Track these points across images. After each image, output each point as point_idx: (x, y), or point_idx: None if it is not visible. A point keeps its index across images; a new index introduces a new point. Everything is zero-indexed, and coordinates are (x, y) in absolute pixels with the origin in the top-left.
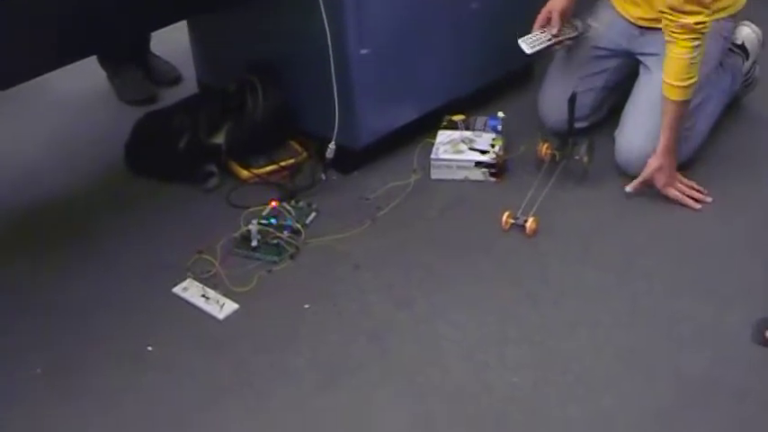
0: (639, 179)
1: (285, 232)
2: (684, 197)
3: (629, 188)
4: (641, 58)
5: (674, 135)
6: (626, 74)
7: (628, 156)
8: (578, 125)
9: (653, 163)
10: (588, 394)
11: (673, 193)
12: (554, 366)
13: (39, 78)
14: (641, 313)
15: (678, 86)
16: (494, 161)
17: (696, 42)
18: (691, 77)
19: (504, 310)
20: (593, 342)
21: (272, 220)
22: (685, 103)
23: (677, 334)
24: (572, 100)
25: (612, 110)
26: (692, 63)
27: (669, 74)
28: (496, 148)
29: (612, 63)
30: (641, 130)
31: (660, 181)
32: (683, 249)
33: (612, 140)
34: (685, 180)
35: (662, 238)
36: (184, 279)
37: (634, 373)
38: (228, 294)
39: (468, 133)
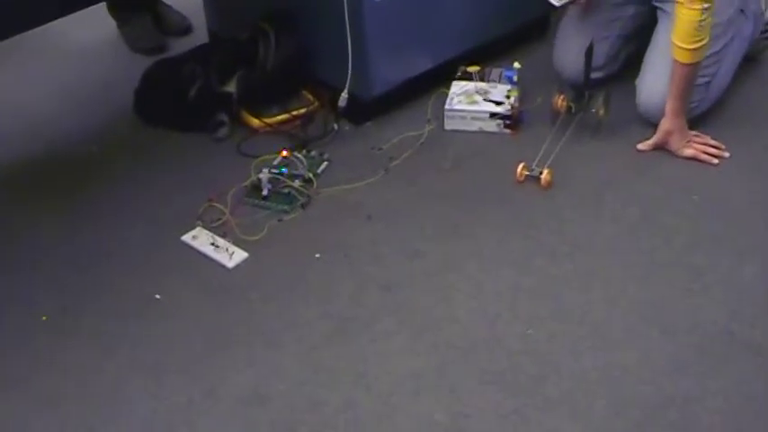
0: (651, 142)
1: (296, 182)
2: (701, 154)
3: (641, 146)
4: (658, 4)
5: (682, 97)
6: (641, 23)
7: (649, 101)
8: (593, 76)
9: (663, 126)
10: (603, 347)
11: (688, 152)
12: (569, 319)
13: (48, 27)
14: (657, 266)
15: (687, 49)
16: (509, 112)
17: (705, 5)
18: (700, 40)
19: (518, 263)
20: (609, 295)
21: (284, 170)
22: (695, 65)
23: (694, 288)
24: (589, 51)
25: (628, 61)
26: (701, 26)
27: (678, 35)
28: (512, 100)
29: (629, 11)
30: (663, 75)
31: (673, 144)
32: (699, 203)
33: (629, 93)
34: (701, 137)
35: (679, 191)
36: (194, 227)
37: (650, 327)
38: (238, 243)
39: (483, 84)
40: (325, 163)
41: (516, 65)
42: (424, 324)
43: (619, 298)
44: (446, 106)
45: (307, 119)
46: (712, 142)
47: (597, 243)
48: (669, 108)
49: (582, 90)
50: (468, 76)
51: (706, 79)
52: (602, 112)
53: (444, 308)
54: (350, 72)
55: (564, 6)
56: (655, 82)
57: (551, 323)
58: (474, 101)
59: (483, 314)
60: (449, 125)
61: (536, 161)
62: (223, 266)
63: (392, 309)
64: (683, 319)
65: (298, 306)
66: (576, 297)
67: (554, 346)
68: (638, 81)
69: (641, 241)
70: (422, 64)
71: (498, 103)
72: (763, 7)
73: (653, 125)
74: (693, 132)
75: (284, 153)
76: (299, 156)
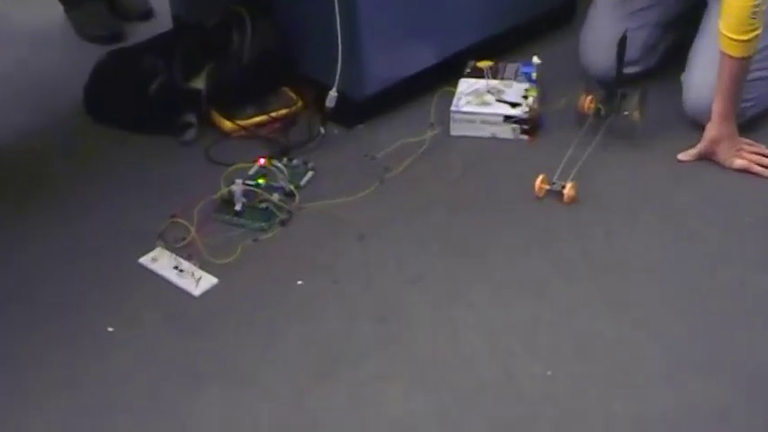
0: (695, 152)
1: (275, 195)
2: (754, 166)
3: (683, 156)
4: None
5: (732, 98)
6: (684, 9)
7: (698, 100)
8: (628, 71)
9: (709, 133)
10: (636, 389)
11: (738, 164)
12: (596, 357)
13: None
14: (698, 295)
15: (738, 40)
16: (526, 116)
17: None
18: (754, 29)
19: (535, 290)
20: (643, 330)
21: (261, 181)
22: (747, 59)
23: (742, 320)
24: (622, 43)
25: (668, 54)
26: (754, 12)
27: (727, 24)
28: (530, 101)
29: None
30: (715, 69)
31: (721, 154)
32: (749, 222)
33: (669, 92)
34: (754, 145)
35: (727, 209)
36: (154, 248)
37: (690, 365)
38: (206, 267)
39: (495, 82)
40: (310, 173)
41: (535, 59)
42: (425, 362)
43: (655, 333)
44: (452, 108)
45: (288, 121)
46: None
47: (630, 269)
48: (716, 110)
49: (613, 89)
50: (478, 73)
51: (766, 72)
52: (636, 114)
53: (448, 343)
54: (339, 66)
55: None
56: (705, 77)
57: (575, 362)
58: (485, 102)
59: (494, 350)
60: (455, 130)
61: (558, 173)
62: (188, 294)
63: (387, 344)
64: (729, 359)
65: (276, 341)
66: (605, 332)
67: (578, 388)
68: (684, 76)
69: (682, 268)
70: (424, 58)
71: (514, 105)
72: None
73: (699, 130)
74: (745, 140)
75: (261, 161)
76: (279, 164)
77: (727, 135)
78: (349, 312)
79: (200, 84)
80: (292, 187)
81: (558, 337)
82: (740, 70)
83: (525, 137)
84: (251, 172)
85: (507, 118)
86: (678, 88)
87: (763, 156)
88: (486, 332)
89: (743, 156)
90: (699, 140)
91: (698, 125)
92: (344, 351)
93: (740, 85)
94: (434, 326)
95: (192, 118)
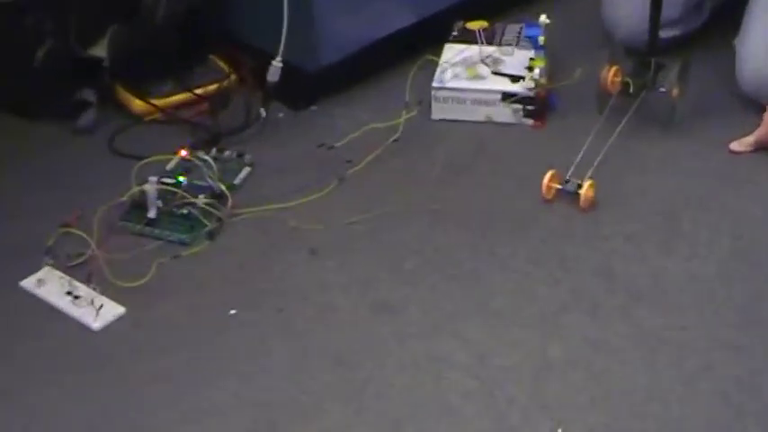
0: (751, 139)
1: (201, 197)
2: None
3: (735, 146)
4: None
5: None
6: None
7: (755, 73)
8: (665, 34)
9: None
10: None
11: None
12: (620, 407)
13: None
14: (754, 330)
15: None
16: (531, 93)
17: None
18: None
19: (543, 321)
20: (683, 370)
21: (182, 179)
22: None
23: None
24: None
25: (717, 12)
26: None
27: None
28: (536, 73)
29: None
30: None
31: None
32: None
33: (719, 62)
34: None
35: None
36: (40, 267)
37: (742, 416)
38: (110, 292)
39: (491, 49)
40: (247, 169)
41: (543, 19)
42: (398, 414)
43: (697, 374)
44: (434, 83)
45: (218, 100)
46: None
47: (666, 292)
48: None
49: (646, 58)
50: (469, 37)
51: None
52: (676, 91)
53: (429, 390)
54: (285, 28)
55: None
56: (765, 43)
57: (596, 413)
58: (478, 75)
59: (489, 400)
60: (438, 112)
61: (572, 168)
62: (86, 328)
63: (348, 391)
64: None
65: (203, 387)
66: (632, 374)
67: None
68: (737, 42)
69: (733, 291)
70: (398, 17)
71: (516, 79)
72: None
73: (757, 111)
74: None
75: (183, 153)
76: (207, 157)
77: None
78: (298, 350)
79: (101, 51)
80: (224, 187)
81: (571, 382)
82: None
83: (530, 121)
84: (169, 167)
85: (507, 96)
86: (731, 57)
87: None
88: (478, 375)
89: None
90: (757, 125)
91: (755, 105)
92: (292, 399)
93: None
94: (410, 367)
95: (90, 95)
